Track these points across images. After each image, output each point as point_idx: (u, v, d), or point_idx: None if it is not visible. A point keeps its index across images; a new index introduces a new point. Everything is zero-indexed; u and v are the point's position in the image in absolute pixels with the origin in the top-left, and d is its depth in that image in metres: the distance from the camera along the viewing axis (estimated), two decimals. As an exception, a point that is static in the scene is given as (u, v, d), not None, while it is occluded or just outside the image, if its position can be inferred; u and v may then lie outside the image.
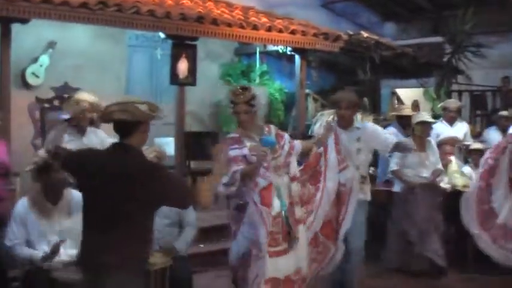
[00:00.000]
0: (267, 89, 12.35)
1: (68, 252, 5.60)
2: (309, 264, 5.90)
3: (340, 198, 6.12)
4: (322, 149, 6.21)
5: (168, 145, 9.60)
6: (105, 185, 4.16)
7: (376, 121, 11.24)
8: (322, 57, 12.67)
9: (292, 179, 5.83)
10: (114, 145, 4.41)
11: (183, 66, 9.85)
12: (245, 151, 5.70)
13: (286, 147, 5.89)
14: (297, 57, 11.71)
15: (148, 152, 6.08)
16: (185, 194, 4.54)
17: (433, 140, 8.66)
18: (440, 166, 8.45)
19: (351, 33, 12.77)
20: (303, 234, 5.81)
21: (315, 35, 11.31)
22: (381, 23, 18.04)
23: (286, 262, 5.63)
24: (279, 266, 5.57)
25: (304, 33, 11.16)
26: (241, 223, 5.69)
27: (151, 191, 4.10)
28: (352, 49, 12.75)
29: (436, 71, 14.18)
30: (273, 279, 5.53)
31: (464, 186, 8.35)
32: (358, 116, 9.79)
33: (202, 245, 8.01)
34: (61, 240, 5.52)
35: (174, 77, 9.88)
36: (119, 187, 4.12)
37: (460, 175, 8.68)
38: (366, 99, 12.50)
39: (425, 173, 8.27)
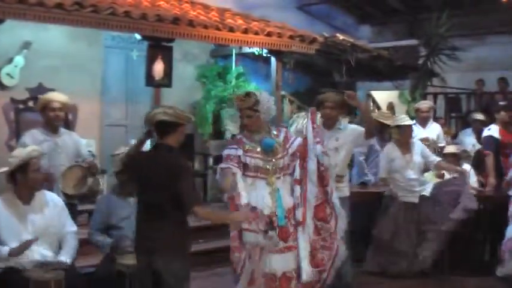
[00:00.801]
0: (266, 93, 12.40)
1: (41, 251, 5.63)
2: (320, 255, 6.08)
3: (322, 179, 6.17)
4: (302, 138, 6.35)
5: (144, 147, 9.61)
6: (149, 179, 5.04)
7: (351, 123, 11.36)
8: (298, 59, 12.73)
9: (296, 181, 6.10)
10: (155, 145, 5.22)
11: (158, 67, 9.84)
12: (240, 152, 6.05)
13: (291, 150, 6.14)
14: (272, 59, 11.73)
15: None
16: (193, 201, 5.00)
17: (417, 141, 8.74)
18: (435, 157, 8.51)
19: (327, 35, 12.85)
20: (302, 235, 6.02)
21: (291, 37, 11.34)
22: (356, 26, 18.14)
23: (282, 260, 5.95)
24: (274, 263, 5.93)
25: (280, 35, 11.19)
26: None
27: (177, 185, 4.87)
28: (328, 51, 12.85)
29: (412, 73, 14.35)
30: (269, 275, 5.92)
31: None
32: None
33: (201, 240, 7.97)
34: (31, 240, 5.55)
35: (149, 79, 9.87)
36: (158, 180, 4.96)
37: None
38: (341, 101, 12.60)
39: (412, 174, 8.35)
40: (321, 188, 6.14)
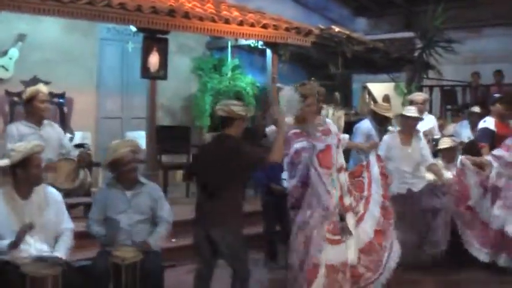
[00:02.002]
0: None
1: (38, 246, 5.60)
2: (362, 272, 6.50)
3: (385, 211, 6.78)
4: (365, 163, 7.05)
5: (139, 139, 9.57)
6: (211, 164, 5.78)
7: (348, 116, 11.36)
8: (293, 51, 12.68)
9: (339, 169, 6.38)
10: (217, 135, 6.04)
11: (154, 59, 9.80)
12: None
13: (334, 141, 6.44)
14: (268, 51, 11.71)
15: (123, 146, 6.15)
16: (261, 158, 5.82)
17: (422, 138, 8.68)
18: (431, 160, 8.46)
19: (323, 27, 12.81)
20: (350, 221, 6.38)
21: (286, 29, 11.31)
22: (352, 18, 18.11)
23: (339, 251, 6.26)
24: (334, 253, 6.21)
25: (275, 28, 11.16)
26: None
27: (239, 163, 5.70)
28: (323, 43, 12.81)
29: (407, 65, 14.35)
30: (330, 266, 6.19)
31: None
32: (330, 111, 9.87)
33: (174, 240, 8.00)
34: (26, 226, 5.50)
35: (145, 71, 9.83)
36: (219, 164, 5.71)
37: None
38: (337, 94, 12.60)
39: (406, 167, 8.27)
40: (385, 219, 6.80)
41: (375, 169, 6.89)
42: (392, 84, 14.69)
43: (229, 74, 12.78)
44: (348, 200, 6.41)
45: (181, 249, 7.88)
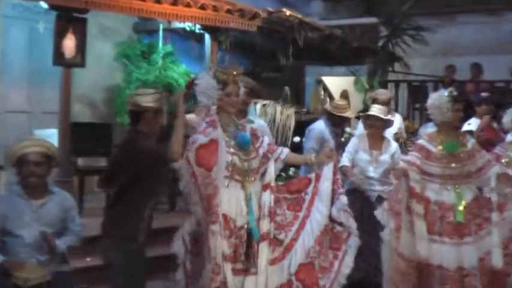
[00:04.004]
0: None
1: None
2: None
3: (333, 240, 6.23)
4: (313, 175, 6.38)
5: (50, 138, 9.47)
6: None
7: (299, 114, 11.41)
8: (236, 37, 12.72)
9: (265, 186, 6.13)
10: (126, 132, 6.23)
11: (69, 43, 9.71)
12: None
13: (262, 151, 6.20)
14: (207, 36, 11.72)
15: (32, 145, 6.12)
16: (160, 155, 5.72)
17: (395, 144, 8.76)
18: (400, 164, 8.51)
19: (271, 10, 12.87)
20: (264, 252, 6.03)
21: (228, 11, 11.32)
22: (306, 0, 18.21)
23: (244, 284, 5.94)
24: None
25: (216, 9, 11.16)
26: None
27: (135, 163, 5.64)
28: (272, 29, 12.87)
29: (369, 57, 14.48)
30: None
31: None
32: (278, 109, 9.93)
33: (89, 259, 7.95)
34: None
35: (58, 56, 9.73)
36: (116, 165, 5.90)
37: None
38: (286, 88, 12.66)
39: (372, 172, 8.37)
40: (321, 250, 6.20)
41: (325, 185, 6.27)
42: (351, 79, 14.85)
43: (160, 62, 12.74)
44: (265, 226, 6.08)
45: (96, 269, 7.83)
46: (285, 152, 6.40)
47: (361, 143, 8.50)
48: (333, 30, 14.18)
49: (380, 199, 8.36)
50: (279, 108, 9.60)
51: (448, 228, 7.04)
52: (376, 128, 8.52)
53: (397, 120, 10.14)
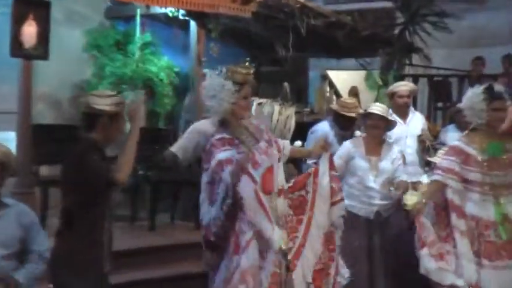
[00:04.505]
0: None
1: None
2: None
3: (329, 240, 6.64)
4: (312, 169, 6.79)
5: (8, 142, 9.43)
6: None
7: (300, 114, 11.38)
8: (228, 25, 12.68)
9: (279, 192, 6.24)
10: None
11: (30, 31, 9.66)
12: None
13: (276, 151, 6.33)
14: (192, 24, 11.70)
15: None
16: (103, 174, 5.60)
17: (392, 142, 8.73)
18: (402, 177, 8.44)
19: (269, -8, 12.85)
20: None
21: (218, -7, 11.33)
22: (309, -19, 18.23)
23: None
24: None
25: (203, -9, 11.16)
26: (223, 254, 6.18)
27: (78, 180, 5.60)
28: (269, 15, 12.83)
29: (383, 48, 14.42)
30: None
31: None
32: (276, 108, 9.89)
33: (51, 285, 7.92)
34: None
35: (16, 47, 9.67)
36: (63, 180, 5.86)
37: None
38: (286, 85, 12.64)
39: (373, 182, 8.32)
40: (327, 252, 6.69)
41: (325, 180, 6.69)
42: (362, 73, 14.84)
43: (138, 54, 12.78)
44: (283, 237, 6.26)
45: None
46: (287, 146, 6.68)
47: (356, 148, 8.44)
48: (341, 17, 14.16)
49: (379, 216, 8.34)
50: (277, 107, 9.49)
51: (488, 248, 6.98)
52: (378, 129, 8.48)
53: (419, 120, 10.01)
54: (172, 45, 13.42)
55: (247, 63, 6.50)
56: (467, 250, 6.97)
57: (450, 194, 7.17)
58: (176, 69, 12.97)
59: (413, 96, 10.81)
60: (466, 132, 7.61)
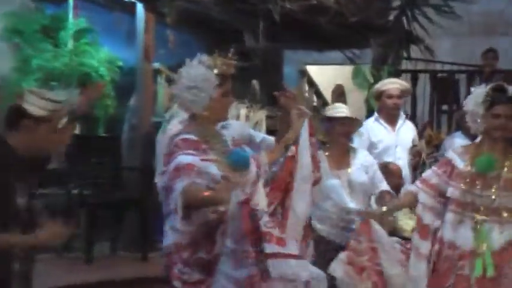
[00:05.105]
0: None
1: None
2: None
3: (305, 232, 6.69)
4: (293, 148, 6.66)
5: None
6: None
7: (273, 119, 11.20)
8: (185, 9, 12.54)
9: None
10: None
11: None
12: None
13: (254, 168, 6.27)
14: (139, 6, 11.57)
15: None
16: None
17: (359, 147, 8.64)
18: (383, 186, 8.34)
19: (236, -30, 12.76)
20: None
21: (171, -30, 11.25)
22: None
23: None
24: None
25: (151, -33, 11.09)
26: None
27: None
28: (236, -2, 12.74)
29: (376, 37, 14.31)
30: None
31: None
32: (242, 111, 9.77)
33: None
34: None
35: None
36: None
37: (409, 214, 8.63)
38: (255, 82, 12.51)
39: (350, 203, 8.16)
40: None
41: (306, 158, 6.62)
42: (349, 68, 14.72)
43: (71, 43, 12.65)
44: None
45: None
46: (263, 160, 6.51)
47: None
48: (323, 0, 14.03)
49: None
50: (243, 110, 9.45)
51: (458, 284, 6.89)
52: (349, 135, 8.40)
53: (410, 130, 9.95)
54: (114, 33, 13.42)
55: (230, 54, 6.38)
56: (421, 276, 7.08)
57: (419, 210, 7.22)
58: (119, 64, 12.85)
59: (412, 98, 10.75)
60: (471, 143, 7.80)
